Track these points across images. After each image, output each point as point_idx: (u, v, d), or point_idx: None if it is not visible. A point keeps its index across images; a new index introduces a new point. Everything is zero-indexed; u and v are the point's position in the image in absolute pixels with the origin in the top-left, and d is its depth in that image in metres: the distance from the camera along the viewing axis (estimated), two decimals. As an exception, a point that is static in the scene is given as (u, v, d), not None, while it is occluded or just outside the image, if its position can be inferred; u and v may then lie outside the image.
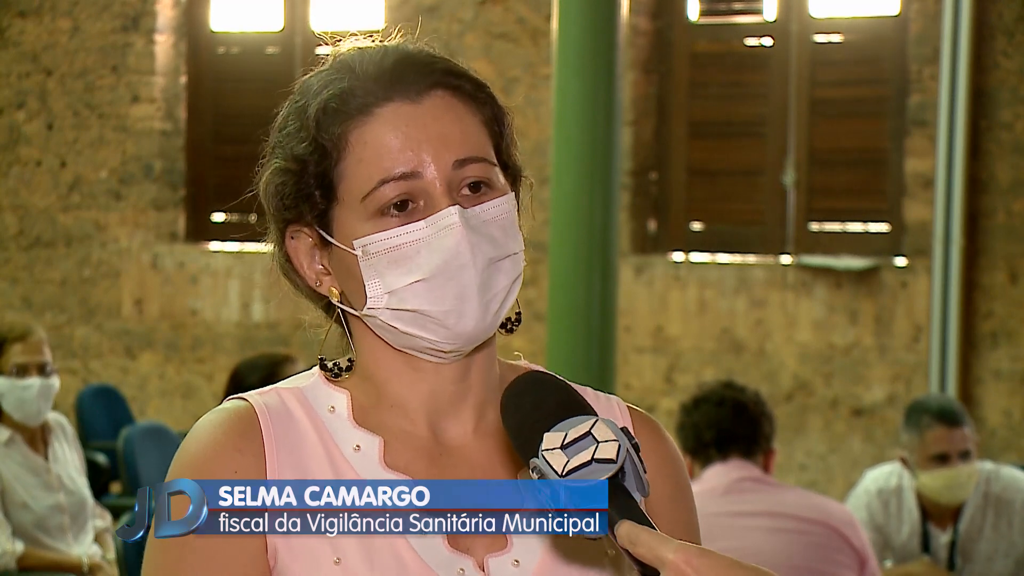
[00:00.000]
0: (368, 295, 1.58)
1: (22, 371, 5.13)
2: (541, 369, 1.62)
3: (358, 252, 1.57)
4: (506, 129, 1.64)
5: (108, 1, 9.16)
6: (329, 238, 1.59)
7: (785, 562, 3.94)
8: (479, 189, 1.58)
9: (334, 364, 1.65)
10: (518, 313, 1.67)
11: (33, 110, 9.32)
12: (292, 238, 1.62)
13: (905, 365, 7.78)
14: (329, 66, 1.62)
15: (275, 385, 1.65)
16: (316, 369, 1.67)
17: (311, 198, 1.58)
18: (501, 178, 1.61)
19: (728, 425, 4.14)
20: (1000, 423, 7.64)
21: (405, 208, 1.56)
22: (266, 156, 1.63)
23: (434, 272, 1.55)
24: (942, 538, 5.08)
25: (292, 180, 1.59)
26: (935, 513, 5.09)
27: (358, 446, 1.60)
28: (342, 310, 1.63)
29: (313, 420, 1.61)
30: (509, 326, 1.67)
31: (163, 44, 9.15)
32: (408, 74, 1.58)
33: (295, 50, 8.98)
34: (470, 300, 1.56)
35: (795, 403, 7.96)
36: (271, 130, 1.64)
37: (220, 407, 1.62)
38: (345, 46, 1.65)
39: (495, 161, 1.61)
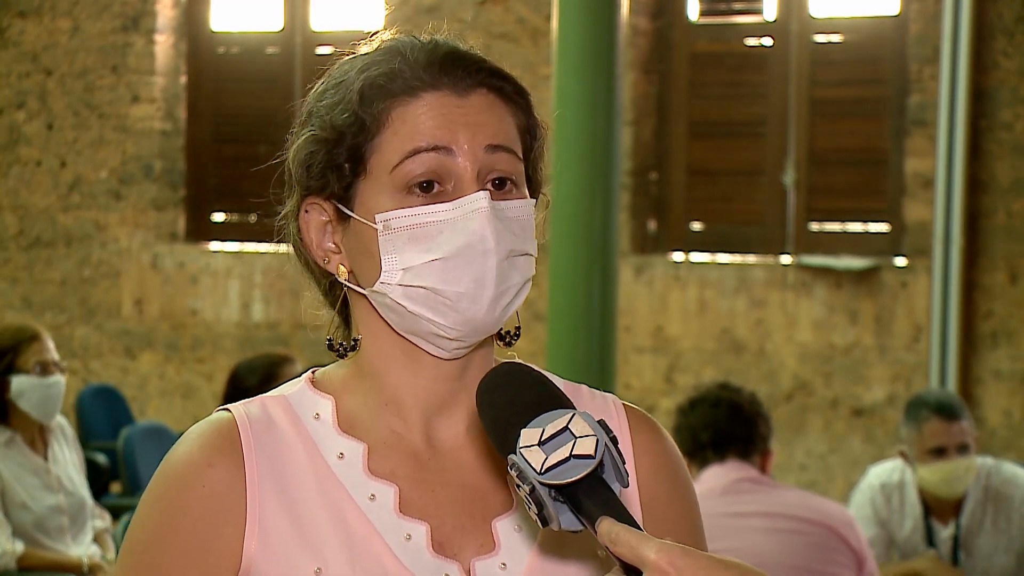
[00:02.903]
0: (383, 269, 1.57)
1: (45, 369, 5.13)
2: (516, 360, 1.61)
3: (379, 226, 1.56)
4: (537, 142, 1.64)
5: (108, 1, 9.16)
6: (348, 212, 1.59)
7: (783, 562, 3.94)
8: (504, 186, 1.59)
9: (340, 344, 1.64)
10: (518, 327, 1.67)
11: (33, 110, 9.32)
12: (306, 211, 1.62)
13: (905, 365, 7.78)
14: (376, 48, 1.62)
15: (263, 395, 1.65)
16: (304, 376, 1.66)
17: (340, 169, 1.58)
18: (524, 185, 1.62)
19: (724, 426, 4.13)
20: (1000, 423, 7.64)
21: (431, 189, 1.56)
22: (298, 125, 1.63)
23: (455, 253, 1.55)
24: (944, 532, 5.09)
25: (324, 149, 1.59)
26: (936, 507, 5.10)
27: (342, 454, 1.59)
28: (348, 290, 1.62)
29: (297, 428, 1.61)
30: (508, 339, 1.66)
31: (163, 44, 9.15)
32: (457, 68, 1.59)
33: (295, 50, 8.98)
34: (487, 287, 1.56)
35: (795, 403, 7.95)
36: (305, 102, 1.65)
37: (205, 419, 1.62)
38: (385, 35, 1.66)
39: (522, 162, 1.62)
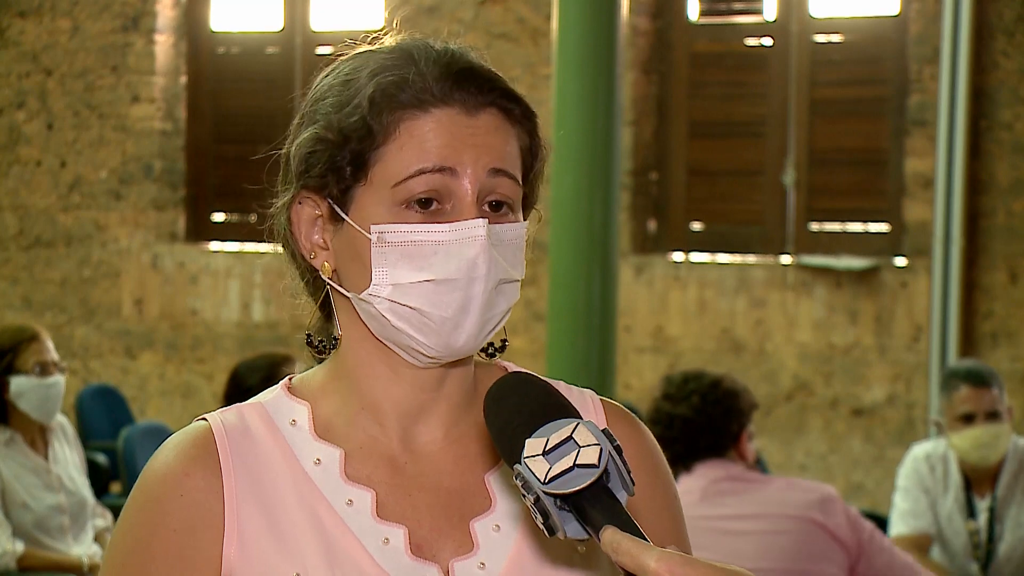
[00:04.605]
0: (373, 281, 1.57)
1: (44, 369, 5.14)
2: (522, 370, 1.60)
3: (373, 237, 1.56)
4: (537, 162, 1.64)
5: (108, 1, 9.16)
6: (343, 215, 1.59)
7: (766, 565, 3.91)
8: (501, 209, 1.59)
9: (319, 341, 1.64)
10: (504, 340, 1.67)
11: (33, 110, 9.32)
12: (299, 203, 1.62)
13: (905, 365, 7.78)
14: (388, 50, 1.61)
15: (239, 403, 1.65)
16: (281, 382, 1.67)
17: (340, 172, 1.58)
18: (520, 206, 1.62)
19: (682, 442, 4.04)
20: (1000, 423, 7.64)
21: (430, 206, 1.56)
22: (301, 117, 1.62)
23: (446, 277, 1.55)
24: (982, 504, 5.18)
25: (327, 150, 1.58)
26: (975, 480, 5.18)
27: (318, 460, 1.60)
28: (332, 289, 1.62)
29: (274, 435, 1.61)
30: (491, 350, 1.66)
31: (163, 44, 9.15)
32: (470, 86, 1.58)
33: (295, 50, 8.99)
34: (472, 314, 1.56)
35: (795, 403, 7.96)
36: (306, 96, 1.64)
37: (181, 429, 1.63)
38: (396, 36, 1.64)
39: (522, 186, 1.62)
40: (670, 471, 1.73)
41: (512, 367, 1.68)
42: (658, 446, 1.73)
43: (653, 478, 1.69)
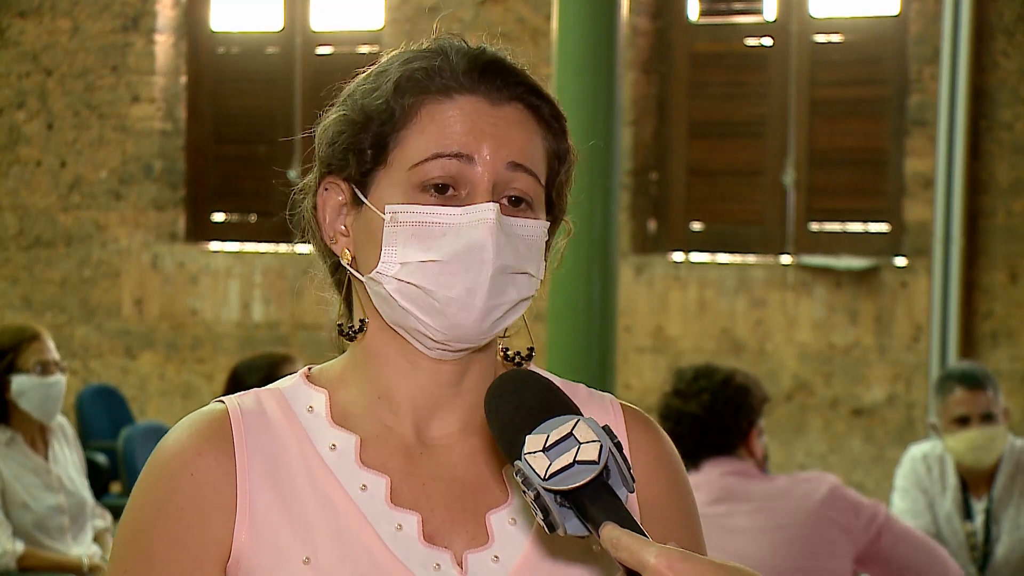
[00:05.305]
0: (382, 260, 1.58)
1: (45, 369, 5.14)
2: (525, 367, 1.61)
3: (386, 217, 1.57)
4: (564, 167, 1.65)
5: (108, 1, 9.16)
6: (362, 197, 1.60)
7: (771, 563, 3.90)
8: (519, 205, 1.59)
9: (349, 327, 1.65)
10: (530, 348, 1.68)
11: (33, 110, 9.32)
12: (326, 189, 1.64)
13: (905, 365, 7.78)
14: (425, 47, 1.64)
15: (257, 388, 1.66)
16: (300, 371, 1.68)
17: (361, 154, 1.60)
18: (543, 207, 1.62)
19: (691, 440, 4.00)
20: (1000, 423, 7.63)
21: (445, 192, 1.57)
22: (332, 106, 1.65)
23: (452, 258, 1.56)
24: (978, 506, 5.17)
25: (350, 131, 1.61)
26: (972, 481, 5.17)
27: (334, 445, 1.60)
28: (352, 276, 1.63)
29: (290, 420, 1.62)
30: (517, 360, 1.67)
31: (163, 44, 9.15)
32: (496, 77, 1.61)
33: (295, 50, 8.98)
34: (477, 296, 1.56)
35: (795, 403, 7.95)
36: (348, 83, 1.67)
37: (197, 410, 1.63)
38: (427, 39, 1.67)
39: (543, 186, 1.62)
40: (687, 477, 1.73)
41: (530, 368, 1.68)
42: (677, 452, 1.72)
43: (671, 484, 1.69)
